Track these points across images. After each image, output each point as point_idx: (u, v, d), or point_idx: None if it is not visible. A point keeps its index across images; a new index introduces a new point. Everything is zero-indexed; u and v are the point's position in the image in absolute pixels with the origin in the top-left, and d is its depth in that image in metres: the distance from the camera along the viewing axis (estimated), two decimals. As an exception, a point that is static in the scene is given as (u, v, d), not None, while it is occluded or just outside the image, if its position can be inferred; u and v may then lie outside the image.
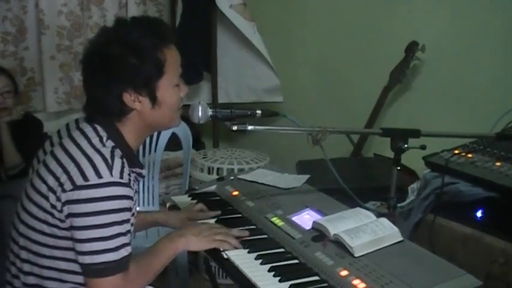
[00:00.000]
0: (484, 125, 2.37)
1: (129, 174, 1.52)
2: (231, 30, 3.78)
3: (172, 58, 1.59)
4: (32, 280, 1.58)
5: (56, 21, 3.65)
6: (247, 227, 1.83)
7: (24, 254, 1.59)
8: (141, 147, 3.00)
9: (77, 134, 1.56)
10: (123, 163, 1.51)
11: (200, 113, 1.69)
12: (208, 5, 3.72)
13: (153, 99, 1.58)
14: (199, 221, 1.90)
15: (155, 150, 3.07)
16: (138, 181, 1.67)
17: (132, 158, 1.59)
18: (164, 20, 4.06)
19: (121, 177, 1.48)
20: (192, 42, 3.79)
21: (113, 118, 1.59)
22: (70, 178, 1.47)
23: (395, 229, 1.64)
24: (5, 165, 3.00)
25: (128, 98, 1.55)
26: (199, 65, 3.91)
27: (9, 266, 1.64)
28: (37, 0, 3.57)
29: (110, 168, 1.47)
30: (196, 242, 1.67)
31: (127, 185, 1.49)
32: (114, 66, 1.53)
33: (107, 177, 1.46)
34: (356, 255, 1.55)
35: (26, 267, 1.58)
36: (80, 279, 1.55)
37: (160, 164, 3.15)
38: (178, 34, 3.88)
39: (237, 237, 1.72)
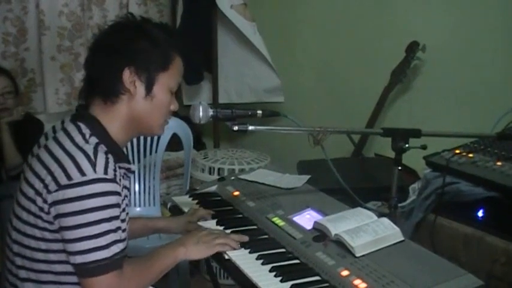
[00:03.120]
0: (485, 124, 2.36)
1: (114, 170, 1.50)
2: (232, 31, 3.78)
3: (178, 64, 1.63)
4: (30, 286, 1.56)
5: (57, 21, 3.65)
6: (248, 227, 1.84)
7: (19, 261, 1.57)
8: (141, 148, 3.00)
9: (60, 135, 1.55)
10: (107, 158, 1.49)
11: (201, 113, 1.69)
12: (209, 5, 3.72)
13: (149, 89, 1.58)
14: (200, 222, 1.90)
15: (156, 151, 3.07)
16: (129, 177, 1.65)
17: (118, 153, 1.57)
18: (165, 20, 4.08)
19: (105, 173, 1.46)
20: (192, 43, 3.79)
21: (105, 100, 1.57)
22: (54, 179, 1.45)
23: (397, 229, 1.64)
24: (6, 165, 3.00)
25: (127, 75, 1.55)
26: (200, 65, 3.91)
27: (7, 274, 1.62)
28: (38, 0, 3.57)
29: (93, 164, 1.45)
30: (196, 251, 1.65)
31: (112, 180, 1.47)
32: (124, 46, 1.56)
33: (90, 175, 1.44)
34: (357, 255, 1.55)
35: (23, 273, 1.56)
36: (76, 279, 1.53)
37: (161, 165, 3.16)
38: (179, 34, 3.89)
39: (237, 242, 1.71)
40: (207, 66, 3.92)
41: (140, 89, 1.58)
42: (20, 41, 3.61)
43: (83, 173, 1.44)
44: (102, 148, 1.52)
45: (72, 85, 3.77)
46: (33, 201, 1.49)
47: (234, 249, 1.68)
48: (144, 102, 1.59)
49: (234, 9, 3.67)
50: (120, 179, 1.52)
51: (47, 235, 1.50)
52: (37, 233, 1.51)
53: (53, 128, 1.65)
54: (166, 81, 1.60)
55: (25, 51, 3.64)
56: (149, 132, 1.76)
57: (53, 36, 3.66)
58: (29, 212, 1.51)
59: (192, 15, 3.83)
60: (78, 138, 1.51)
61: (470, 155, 2.19)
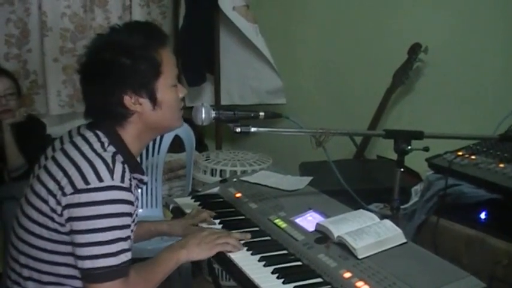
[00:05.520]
0: (487, 126, 2.36)
1: (130, 180, 1.51)
2: (234, 32, 3.78)
3: (167, 58, 1.61)
4: (31, 285, 1.56)
5: (59, 23, 3.65)
6: (250, 229, 1.83)
7: (23, 259, 1.57)
8: (144, 150, 3.00)
9: (78, 140, 1.56)
10: (124, 168, 1.51)
11: (203, 115, 1.69)
12: (211, 7, 3.73)
13: (153, 101, 1.58)
14: (203, 225, 1.90)
15: (158, 152, 3.07)
16: (140, 188, 1.67)
17: (133, 164, 1.59)
18: (167, 22, 4.10)
19: (122, 181, 1.47)
20: (195, 44, 3.80)
21: (114, 123, 1.59)
22: (71, 182, 1.46)
23: (399, 231, 1.64)
24: (8, 166, 3.00)
25: (129, 100, 1.56)
26: (202, 67, 3.91)
27: (9, 272, 1.63)
28: (40, 2, 3.57)
29: (111, 172, 1.47)
30: (197, 252, 1.66)
31: (128, 189, 1.49)
32: (109, 71, 1.54)
33: (108, 181, 1.45)
34: (359, 257, 1.55)
35: (25, 272, 1.57)
36: (78, 283, 1.54)
37: (163, 166, 3.16)
38: (182, 36, 3.90)
39: (240, 240, 1.72)
40: (209, 68, 3.92)
41: (146, 104, 1.58)
42: (23, 42, 3.61)
43: (100, 179, 1.45)
44: (120, 158, 1.53)
45: (74, 87, 3.76)
46: (45, 201, 1.50)
47: (236, 247, 1.68)
48: (154, 113, 1.60)
49: (236, 10, 3.68)
50: (134, 190, 1.53)
51: (56, 236, 1.51)
52: (45, 233, 1.52)
53: (69, 133, 1.66)
54: (165, 81, 1.60)
55: (28, 52, 3.64)
56: (169, 130, 1.81)
57: (56, 38, 3.65)
58: (39, 211, 1.52)
59: (194, 16, 3.83)
60: (97, 145, 1.53)
61: (473, 157, 2.19)
